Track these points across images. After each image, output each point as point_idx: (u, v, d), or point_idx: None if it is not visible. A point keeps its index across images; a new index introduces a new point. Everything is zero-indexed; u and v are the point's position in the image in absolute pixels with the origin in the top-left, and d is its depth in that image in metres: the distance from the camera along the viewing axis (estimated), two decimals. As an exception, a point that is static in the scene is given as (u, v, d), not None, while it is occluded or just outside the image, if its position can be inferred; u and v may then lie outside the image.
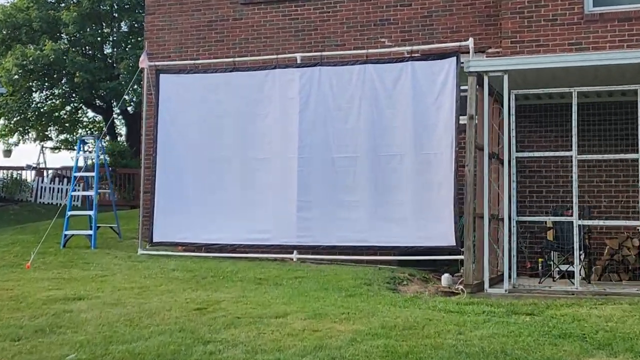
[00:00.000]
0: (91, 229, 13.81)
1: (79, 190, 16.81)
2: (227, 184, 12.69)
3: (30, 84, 30.17)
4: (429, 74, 11.77)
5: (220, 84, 12.96)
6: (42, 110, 33.56)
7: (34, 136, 34.64)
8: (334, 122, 12.20)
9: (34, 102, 33.03)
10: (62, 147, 39.54)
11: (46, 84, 31.67)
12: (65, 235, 13.69)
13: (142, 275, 9.86)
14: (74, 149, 40.93)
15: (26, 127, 33.83)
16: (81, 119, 38.80)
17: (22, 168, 27.89)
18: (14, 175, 26.87)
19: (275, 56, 12.87)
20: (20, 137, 34.92)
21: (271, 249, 12.41)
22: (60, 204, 28.39)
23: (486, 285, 9.20)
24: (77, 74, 27.24)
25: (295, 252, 12.24)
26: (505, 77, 9.08)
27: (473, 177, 9.08)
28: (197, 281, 9.35)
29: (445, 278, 10.43)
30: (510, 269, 9.22)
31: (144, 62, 13.36)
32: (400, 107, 11.87)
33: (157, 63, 13.54)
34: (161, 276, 9.80)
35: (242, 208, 12.53)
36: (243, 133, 12.67)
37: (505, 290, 8.95)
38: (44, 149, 32.32)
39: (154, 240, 12.97)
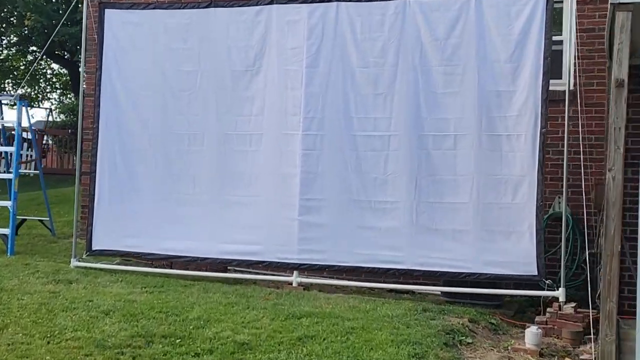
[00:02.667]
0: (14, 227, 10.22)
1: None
2: (198, 171, 9.09)
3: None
4: (503, 17, 8.15)
5: (191, 26, 9.23)
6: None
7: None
8: (357, 85, 8.57)
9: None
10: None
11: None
12: (-28, 234, 10.05)
13: (47, 332, 6.15)
14: (36, 106, 37.23)
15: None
16: (44, 71, 34.85)
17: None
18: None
19: (272, -15, 9.10)
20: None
21: (261, 267, 8.86)
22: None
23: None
24: (28, 16, 23.10)
25: (295, 273, 8.63)
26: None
27: (621, 191, 5.37)
28: (132, 355, 5.67)
29: (533, 334, 6.85)
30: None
31: (82, -9, 9.54)
32: (457, 65, 8.25)
33: (100, -7, 9.70)
34: (80, 335, 6.11)
35: (219, 207, 8.97)
36: (222, 98, 9.03)
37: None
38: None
39: (94, 248, 9.39)
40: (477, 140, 8.05)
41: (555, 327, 7.50)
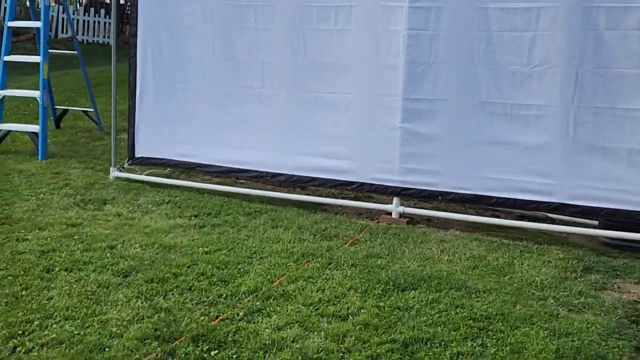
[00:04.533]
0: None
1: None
2: (268, 58, 6.62)
3: None
4: None
5: None
6: None
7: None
8: None
9: None
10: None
11: None
12: (-2, 130, 8.01)
13: (19, 327, 3.94)
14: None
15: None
16: None
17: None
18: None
19: None
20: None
21: (350, 189, 6.44)
22: (92, 41, 22.85)
23: None
24: None
25: (396, 200, 6.21)
26: None
27: None
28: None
29: None
30: None
31: None
32: None
33: None
34: (66, 332, 3.86)
35: (296, 108, 6.52)
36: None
37: None
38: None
39: (137, 155, 7.20)
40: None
41: None
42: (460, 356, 3.71)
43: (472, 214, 6.27)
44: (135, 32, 7.01)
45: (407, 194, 6.16)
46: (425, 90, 5.93)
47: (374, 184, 6.24)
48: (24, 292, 4.35)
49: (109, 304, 4.23)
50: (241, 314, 4.13)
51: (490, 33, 5.72)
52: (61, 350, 3.65)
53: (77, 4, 22.95)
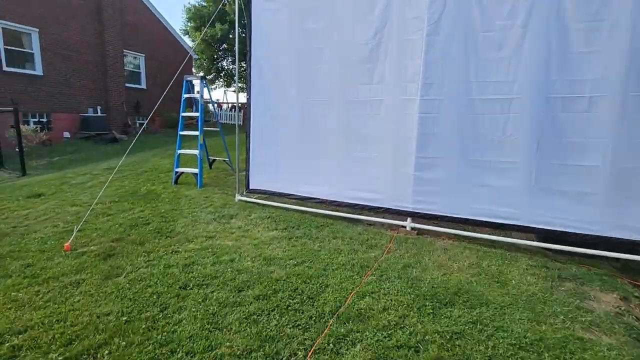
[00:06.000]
0: (206, 167, 6.10)
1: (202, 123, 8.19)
2: (327, 131, 4.40)
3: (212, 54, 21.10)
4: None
5: (319, 7, 4.28)
6: (226, 69, 24.77)
7: (222, 85, 25.92)
8: (479, 50, 3.49)
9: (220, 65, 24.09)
10: (240, 90, 30.68)
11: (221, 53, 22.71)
12: (176, 172, 5.93)
13: None
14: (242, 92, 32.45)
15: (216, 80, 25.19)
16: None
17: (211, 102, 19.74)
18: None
19: (393, -40, 3.98)
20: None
21: (379, 212, 4.29)
22: (230, 124, 20.75)
23: None
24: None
25: (409, 219, 4.06)
26: None
27: None
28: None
29: None
30: None
31: (233, -14, 4.76)
32: (601, 19, 3.01)
33: (246, -15, 4.87)
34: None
35: (345, 162, 4.31)
36: (346, 69, 4.15)
37: None
38: (226, 92, 23.65)
39: (250, 187, 5.06)
40: (619, 100, 3.05)
41: None
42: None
43: (455, 229, 4.12)
44: (249, 116, 4.96)
45: (417, 216, 4.04)
46: (430, 151, 3.81)
47: (394, 209, 4.12)
48: (160, 315, 2.32)
49: (224, 330, 2.20)
50: (330, 345, 2.07)
51: (475, 114, 3.60)
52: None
53: (227, 108, 20.94)
